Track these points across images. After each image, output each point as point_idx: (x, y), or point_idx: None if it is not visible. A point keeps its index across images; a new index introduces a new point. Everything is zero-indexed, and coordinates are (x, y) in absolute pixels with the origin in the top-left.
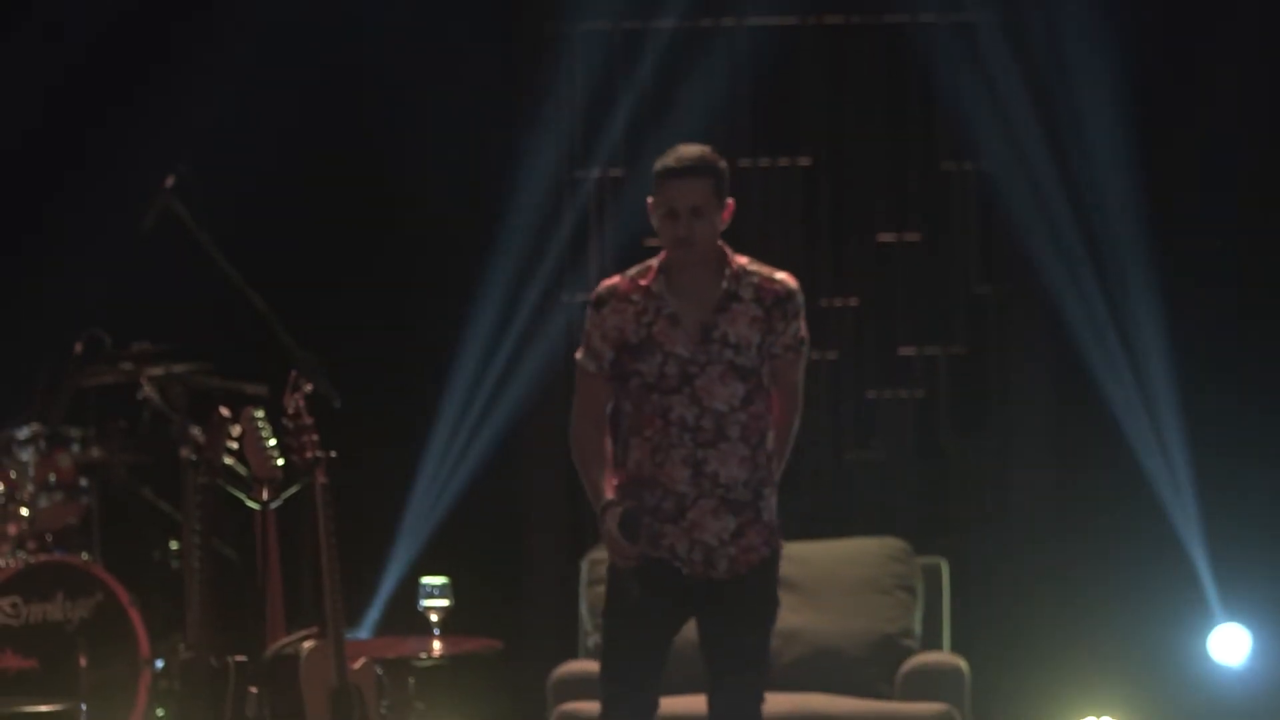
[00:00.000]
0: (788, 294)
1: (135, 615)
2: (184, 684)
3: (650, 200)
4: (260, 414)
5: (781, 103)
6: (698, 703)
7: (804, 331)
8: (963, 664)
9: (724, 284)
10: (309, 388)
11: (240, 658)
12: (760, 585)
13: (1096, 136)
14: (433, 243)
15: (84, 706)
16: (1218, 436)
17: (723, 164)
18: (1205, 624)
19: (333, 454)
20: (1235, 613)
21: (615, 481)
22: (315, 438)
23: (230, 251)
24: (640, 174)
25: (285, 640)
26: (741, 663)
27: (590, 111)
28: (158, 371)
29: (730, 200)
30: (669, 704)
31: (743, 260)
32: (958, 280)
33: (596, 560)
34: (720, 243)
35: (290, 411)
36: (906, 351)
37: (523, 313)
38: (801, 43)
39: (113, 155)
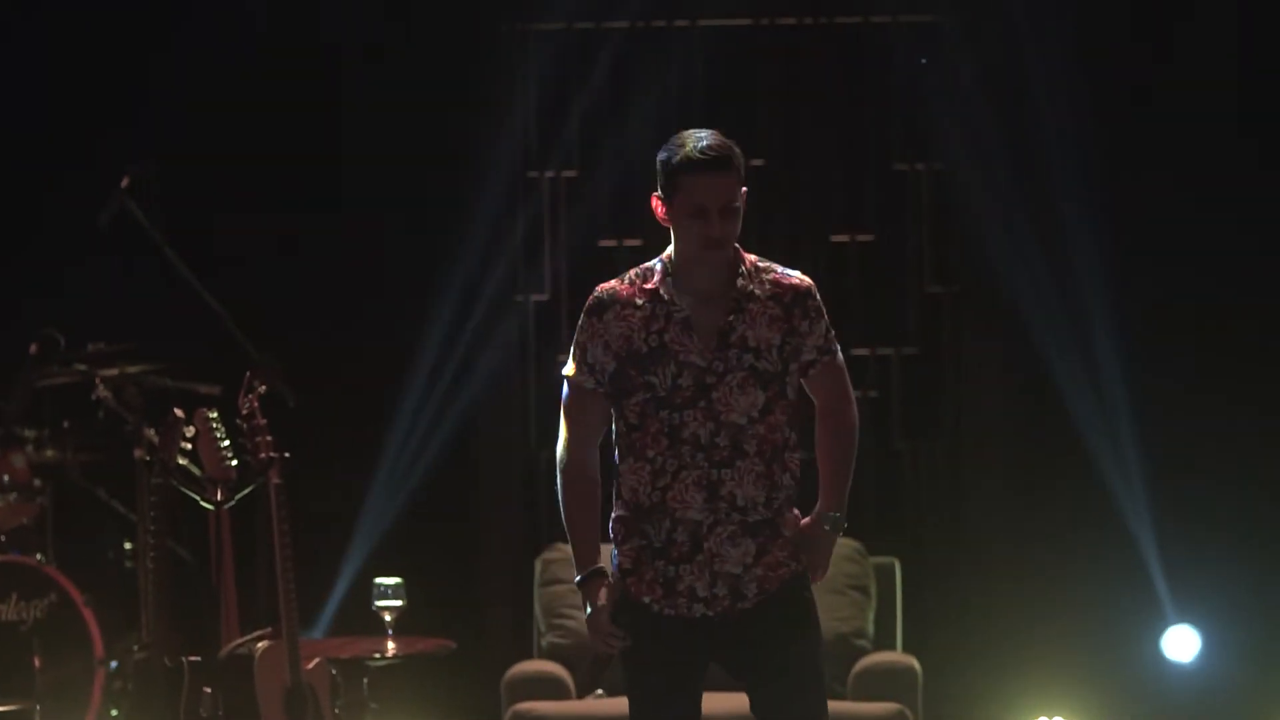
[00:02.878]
0: (807, 290)
1: (89, 616)
2: (138, 684)
3: (659, 196)
4: (215, 415)
5: (735, 103)
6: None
7: (833, 333)
8: (915, 664)
9: (738, 283)
10: (263, 388)
11: (194, 658)
12: (796, 597)
13: (1050, 136)
14: (387, 243)
15: (38, 707)
16: (1171, 439)
17: (738, 150)
18: (1157, 624)
19: (287, 454)
20: (1186, 613)
21: (615, 514)
22: (269, 438)
23: (185, 252)
24: (593, 175)
25: (239, 640)
26: (795, 683)
27: (544, 112)
28: (112, 372)
29: (744, 189)
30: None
31: (753, 258)
32: (911, 280)
33: (550, 560)
34: None
35: (244, 412)
36: (860, 352)
37: (478, 313)
38: (755, 43)
39: (67, 155)
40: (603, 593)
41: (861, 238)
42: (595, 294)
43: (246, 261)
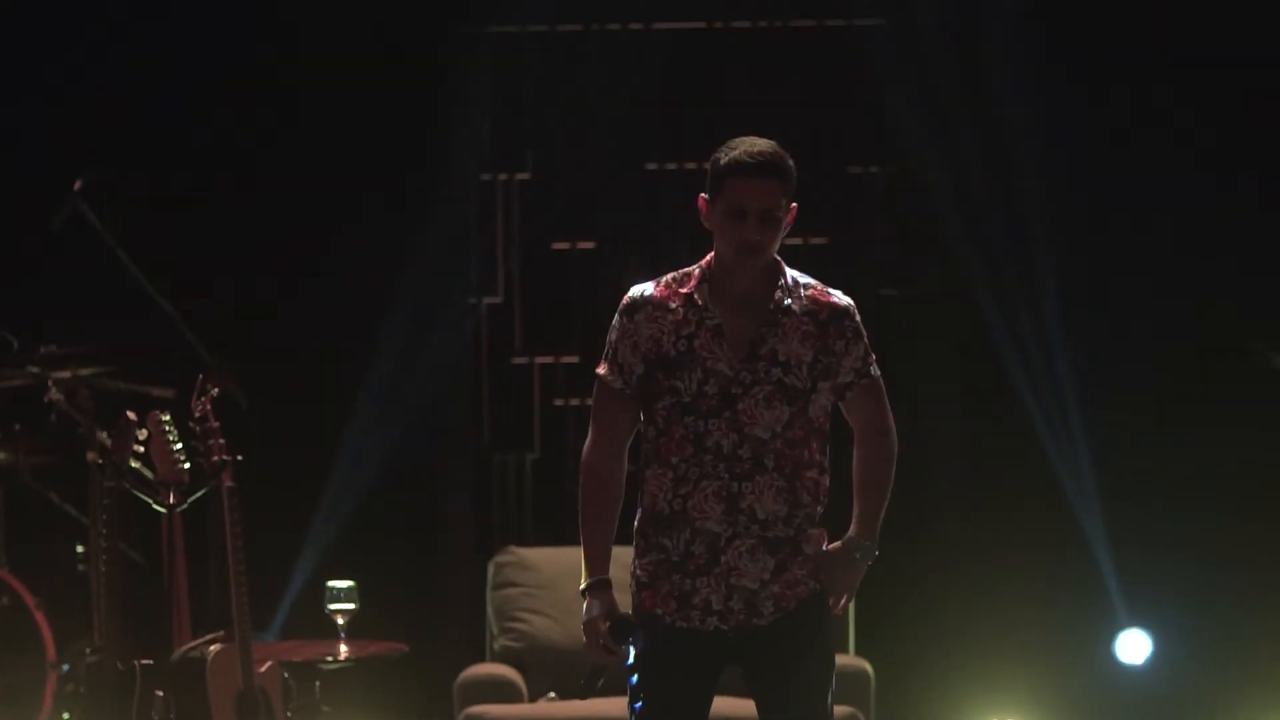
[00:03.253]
0: (845, 310)
1: (41, 619)
2: (90, 687)
3: (705, 197)
4: (167, 417)
5: (689, 107)
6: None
7: (872, 357)
8: (868, 668)
9: (776, 295)
10: (216, 391)
11: (146, 661)
12: (814, 619)
13: (1004, 138)
14: (341, 245)
15: None
16: (1125, 443)
17: (791, 163)
18: (1109, 627)
19: (239, 457)
20: (1138, 616)
21: (636, 523)
22: (222, 441)
23: (138, 254)
24: (548, 178)
25: (192, 643)
26: (801, 709)
27: (498, 115)
28: (65, 375)
29: (794, 205)
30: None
31: (794, 273)
32: (866, 283)
33: (502, 564)
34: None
35: (197, 415)
36: None
37: (432, 315)
38: (710, 47)
39: (18, 156)
40: (598, 604)
41: (815, 240)
42: (629, 295)
43: (199, 264)
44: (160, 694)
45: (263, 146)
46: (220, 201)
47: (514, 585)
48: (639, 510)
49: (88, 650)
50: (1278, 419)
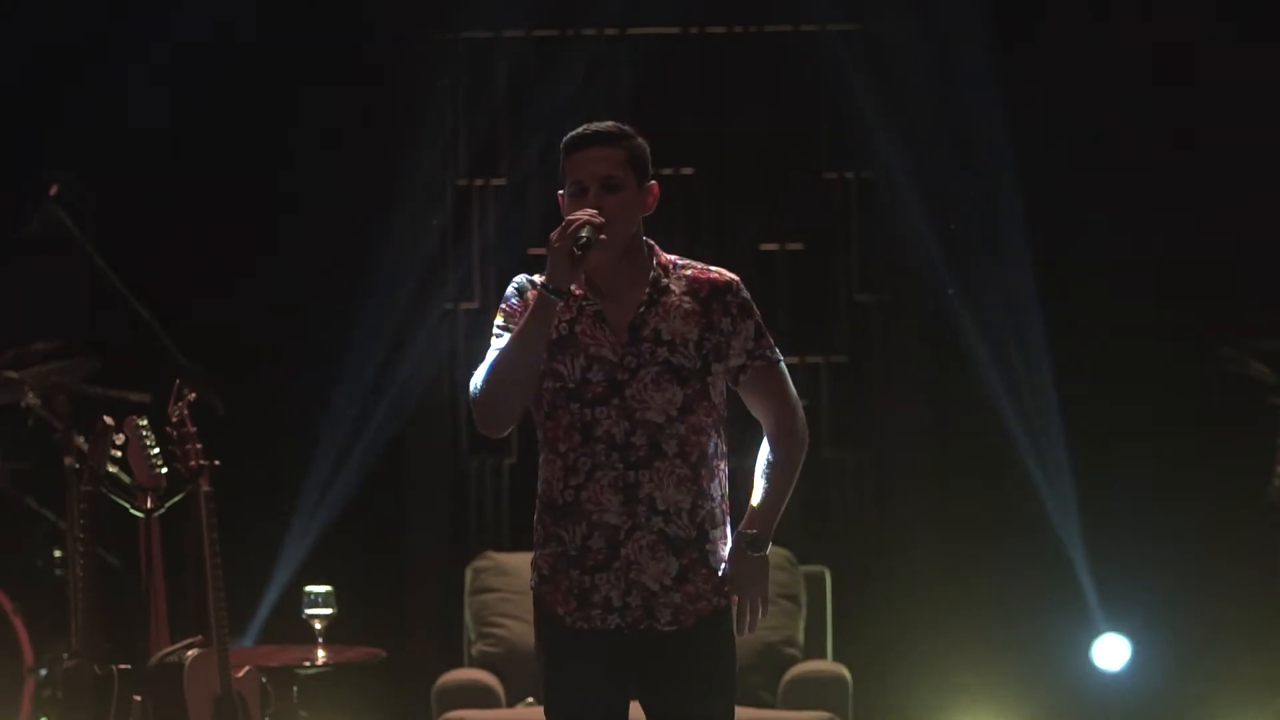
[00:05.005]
0: (726, 285)
1: (18, 623)
2: (67, 692)
3: (559, 194)
4: (144, 422)
5: (663, 111)
6: None
7: (768, 339)
8: (845, 672)
9: (651, 275)
10: (192, 396)
11: (124, 666)
12: (712, 641)
13: (978, 144)
14: (315, 250)
15: None
16: (1100, 448)
17: (641, 140)
18: (1086, 632)
19: (216, 462)
20: (1115, 622)
21: (536, 514)
22: (199, 446)
23: (113, 258)
24: (523, 183)
25: (169, 648)
26: None
27: (473, 120)
28: (41, 378)
29: (654, 184)
30: None
31: (672, 257)
32: (840, 289)
33: (480, 569)
34: (646, 238)
35: (174, 420)
36: (789, 360)
37: (406, 320)
38: (683, 51)
39: None
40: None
41: (790, 246)
42: (516, 280)
43: (175, 269)
44: (138, 699)
45: (241, 151)
46: (197, 206)
47: (492, 590)
48: (536, 502)
49: (65, 655)
50: (1253, 424)
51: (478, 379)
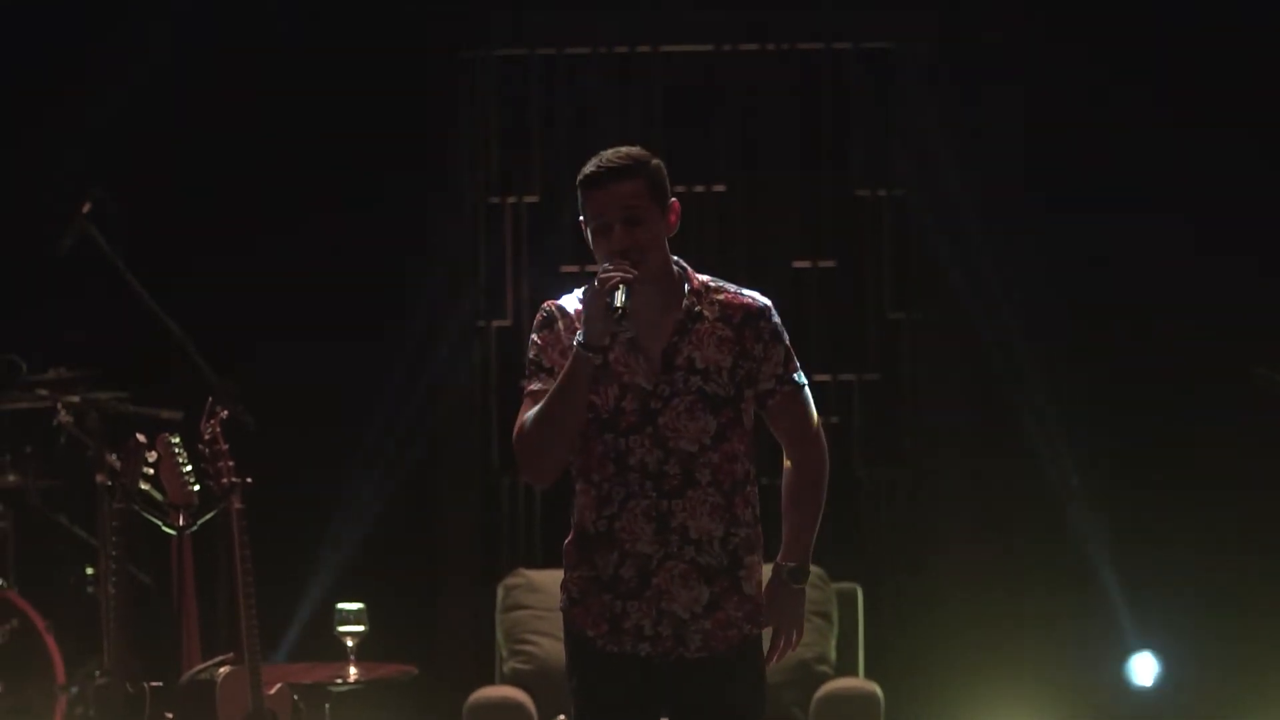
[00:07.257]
0: (759, 310)
1: (51, 641)
2: (100, 710)
3: (580, 220)
4: (176, 440)
5: (697, 129)
6: None
7: (795, 363)
8: (877, 690)
9: (685, 302)
10: (225, 413)
11: (156, 683)
12: (741, 668)
13: (1008, 161)
14: (350, 269)
15: None
16: (1133, 464)
17: (655, 161)
18: (1119, 650)
19: (249, 480)
20: (1147, 639)
21: (567, 539)
22: (231, 463)
23: (146, 277)
24: (555, 200)
25: (201, 666)
26: None
27: (506, 138)
28: (74, 397)
29: (674, 201)
30: None
31: (704, 278)
32: (873, 306)
33: (511, 586)
34: (676, 258)
35: (206, 437)
36: (821, 378)
37: (441, 340)
38: (717, 69)
39: (24, 177)
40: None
41: (823, 264)
42: (543, 309)
43: (209, 287)
44: (169, 716)
45: (271, 170)
46: (228, 223)
47: (523, 608)
48: (570, 530)
49: (97, 673)
50: None
51: (521, 431)
